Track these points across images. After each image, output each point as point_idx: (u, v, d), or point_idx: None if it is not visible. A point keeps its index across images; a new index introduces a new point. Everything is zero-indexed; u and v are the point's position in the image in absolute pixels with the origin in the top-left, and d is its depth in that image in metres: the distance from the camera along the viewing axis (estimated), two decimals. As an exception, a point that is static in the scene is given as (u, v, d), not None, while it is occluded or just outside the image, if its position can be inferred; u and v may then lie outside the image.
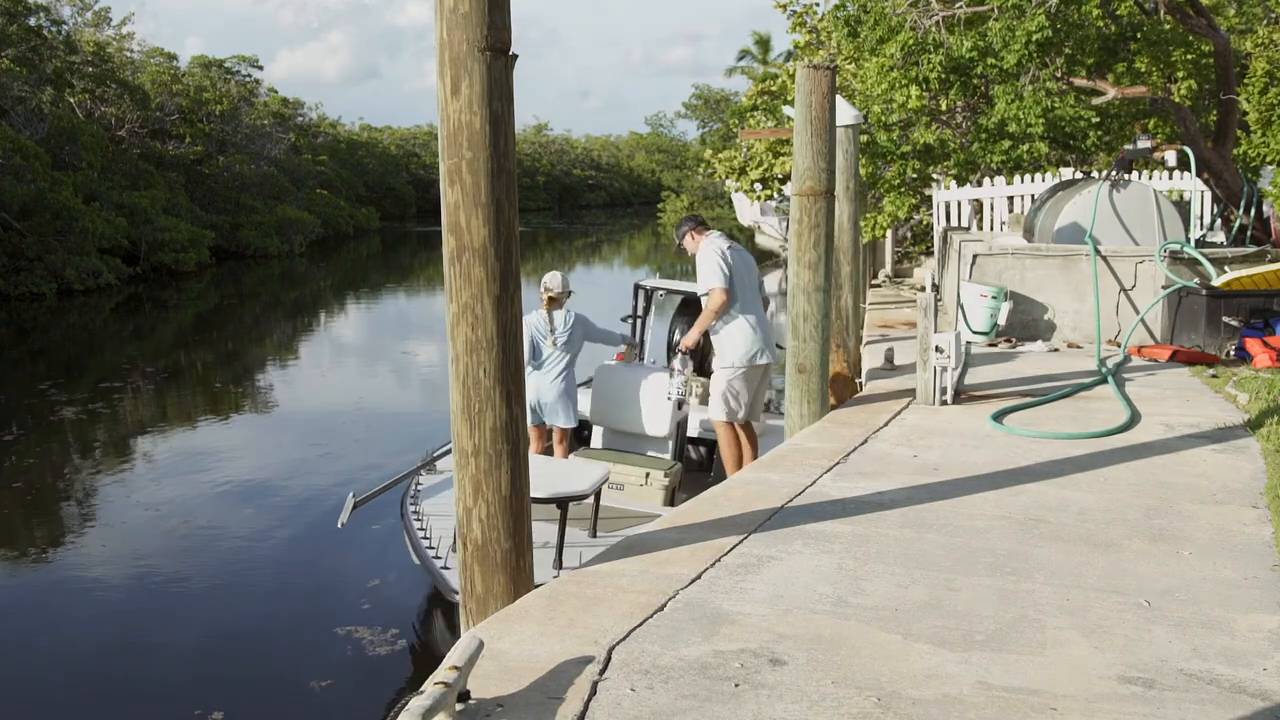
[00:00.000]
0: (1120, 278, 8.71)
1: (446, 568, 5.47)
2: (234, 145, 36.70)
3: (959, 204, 13.63)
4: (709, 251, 6.47)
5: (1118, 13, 11.53)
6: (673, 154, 77.82)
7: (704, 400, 7.65)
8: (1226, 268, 8.45)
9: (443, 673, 2.55)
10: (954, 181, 12.99)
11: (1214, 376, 7.33)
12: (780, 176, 16.44)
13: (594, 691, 2.74)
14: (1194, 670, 2.93)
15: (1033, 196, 12.46)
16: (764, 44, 53.45)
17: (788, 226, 6.86)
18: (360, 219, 46.55)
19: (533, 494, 3.51)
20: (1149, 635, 3.16)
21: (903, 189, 12.16)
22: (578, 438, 7.88)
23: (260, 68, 40.22)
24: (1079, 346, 8.57)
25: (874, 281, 14.18)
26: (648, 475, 6.84)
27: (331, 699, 5.53)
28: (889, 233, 14.37)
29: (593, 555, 3.96)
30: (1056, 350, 8.45)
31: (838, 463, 5.12)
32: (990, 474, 4.92)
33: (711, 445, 7.82)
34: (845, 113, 8.08)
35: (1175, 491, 4.66)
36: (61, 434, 11.49)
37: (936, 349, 6.36)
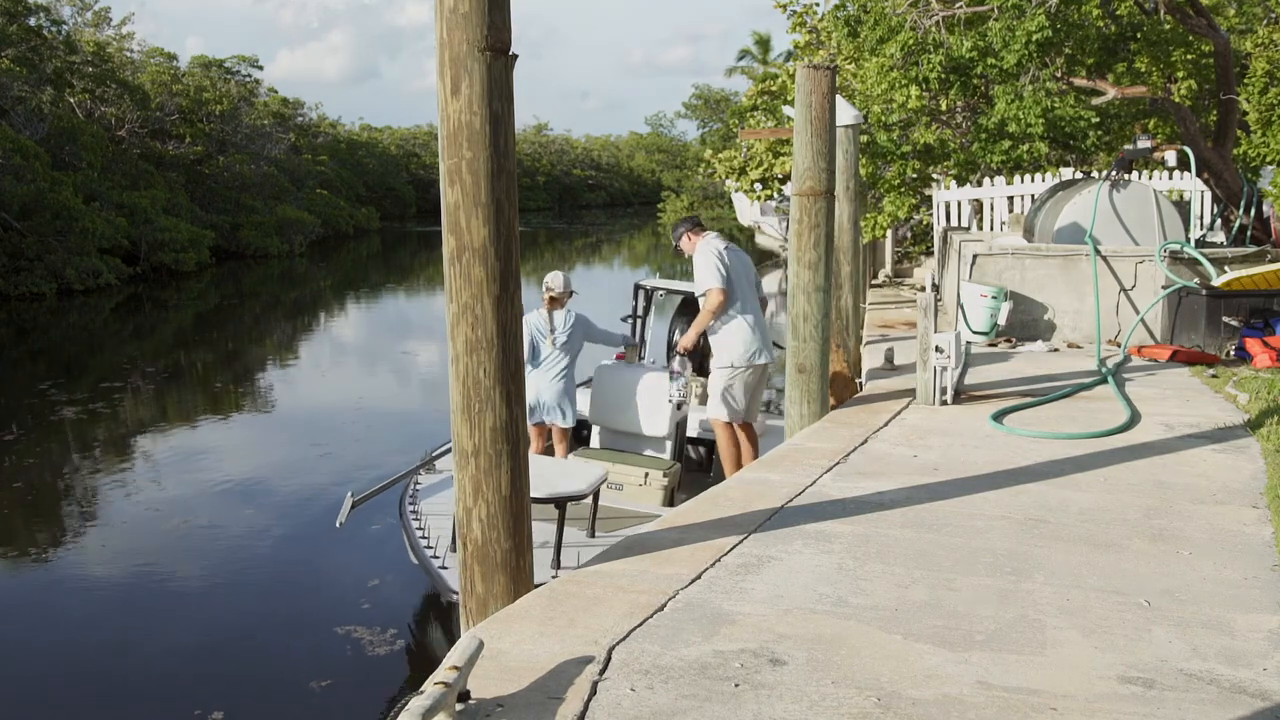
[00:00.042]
0: (1120, 278, 8.71)
1: (444, 567, 5.47)
2: (234, 145, 36.70)
3: (959, 204, 13.63)
4: (706, 252, 6.47)
5: (1118, 13, 11.53)
6: (673, 154, 77.81)
7: (703, 400, 7.65)
8: (1226, 268, 8.45)
9: (443, 673, 2.55)
10: (954, 181, 12.99)
11: (1214, 376, 7.33)
12: (780, 176, 16.45)
13: (594, 691, 2.74)
14: (1194, 670, 2.93)
15: (1033, 196, 12.46)
16: (764, 44, 53.45)
17: (788, 226, 6.86)
18: (360, 219, 46.55)
19: (530, 494, 3.51)
20: (1149, 635, 3.16)
21: (903, 189, 12.17)
22: (577, 437, 7.88)
23: (260, 68, 40.27)
24: (1079, 346, 8.57)
25: (874, 281, 14.18)
26: (647, 475, 6.84)
27: (331, 699, 5.53)
28: (889, 233, 14.37)
29: (591, 555, 3.96)
30: (1056, 350, 8.45)
31: (838, 463, 5.12)
32: (990, 474, 4.92)
33: (711, 445, 7.81)
34: (845, 113, 8.08)
35: (1175, 491, 4.66)
36: (61, 434, 11.48)
37: (936, 349, 6.36)
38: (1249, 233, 10.21)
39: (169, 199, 30.30)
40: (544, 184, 76.09)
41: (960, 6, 10.81)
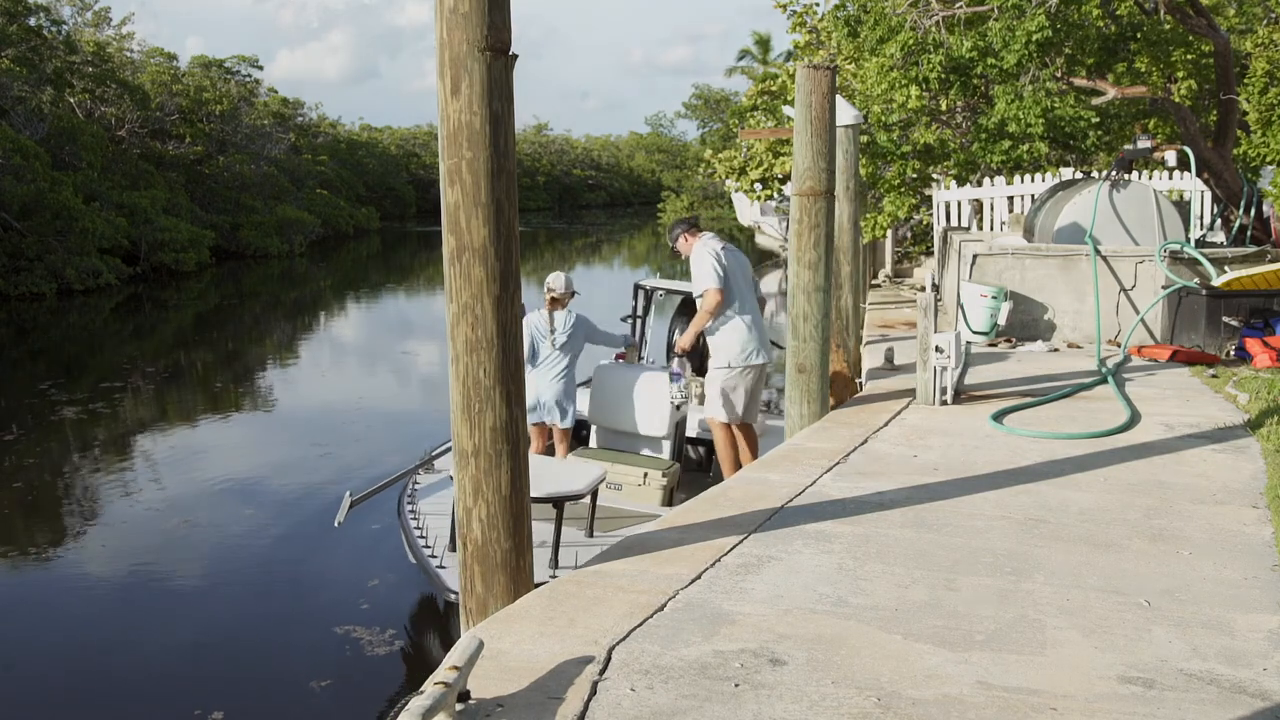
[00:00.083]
0: (1120, 278, 8.71)
1: (442, 567, 5.47)
2: (234, 145, 36.69)
3: (959, 204, 13.63)
4: (703, 253, 6.47)
5: (1118, 13, 11.53)
6: (673, 154, 77.85)
7: (702, 401, 7.65)
8: (1226, 268, 8.45)
9: (443, 673, 2.55)
10: (954, 181, 12.99)
11: (1214, 376, 7.33)
12: (780, 176, 16.45)
13: (594, 691, 2.74)
14: (1194, 670, 2.93)
15: (1033, 196, 12.46)
16: (764, 44, 53.49)
17: (788, 226, 6.86)
18: (360, 219, 46.54)
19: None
20: (1149, 635, 3.16)
21: (903, 189, 12.17)
22: (576, 437, 7.88)
23: (260, 68, 40.26)
24: (1079, 346, 8.57)
25: (874, 281, 14.18)
26: (646, 475, 6.83)
27: (330, 698, 5.53)
28: (889, 233, 14.38)
29: (589, 555, 3.96)
30: (1056, 350, 8.45)
31: (838, 463, 5.12)
32: (990, 474, 4.92)
33: (710, 445, 7.81)
34: (845, 113, 8.08)
35: (1175, 491, 4.66)
36: (61, 434, 11.48)
37: (936, 349, 6.36)
38: (1249, 233, 10.21)
39: (169, 199, 30.29)
40: (544, 184, 76.09)
41: (960, 6, 10.81)
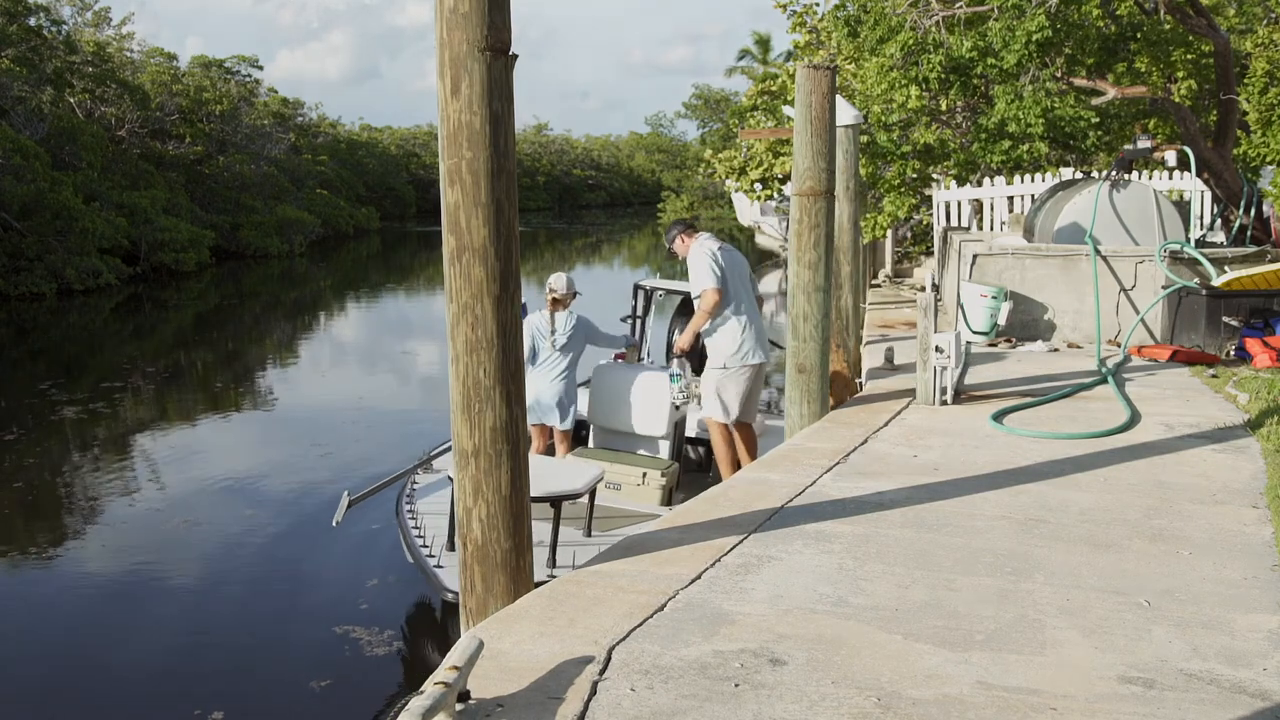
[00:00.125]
0: (1120, 278, 8.71)
1: (440, 566, 5.47)
2: (234, 145, 36.69)
3: (959, 204, 13.63)
4: (700, 253, 6.47)
5: (1118, 13, 11.53)
6: (673, 154, 77.87)
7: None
8: (1226, 268, 8.45)
9: (443, 673, 2.55)
10: (954, 181, 12.99)
11: (1214, 376, 7.33)
12: (780, 176, 16.45)
13: (594, 691, 2.74)
14: (1194, 670, 2.93)
15: (1033, 196, 12.46)
16: (764, 44, 53.50)
17: (788, 226, 6.86)
18: (360, 219, 46.53)
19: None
20: (1149, 635, 3.16)
21: (903, 189, 12.17)
22: (575, 437, 7.88)
23: (260, 68, 40.25)
24: (1079, 346, 8.57)
25: (874, 281, 14.18)
26: (645, 475, 6.83)
27: (330, 698, 5.53)
28: (889, 233, 14.38)
29: (587, 555, 3.96)
30: (1056, 350, 8.45)
31: (838, 463, 5.12)
32: (990, 474, 4.92)
33: (710, 445, 7.81)
34: (845, 113, 8.08)
35: (1175, 491, 4.66)
36: (61, 434, 11.48)
37: (936, 349, 6.36)
38: (1249, 233, 10.21)
39: (169, 199, 30.29)
40: (544, 184, 76.09)
41: (960, 6, 10.81)
